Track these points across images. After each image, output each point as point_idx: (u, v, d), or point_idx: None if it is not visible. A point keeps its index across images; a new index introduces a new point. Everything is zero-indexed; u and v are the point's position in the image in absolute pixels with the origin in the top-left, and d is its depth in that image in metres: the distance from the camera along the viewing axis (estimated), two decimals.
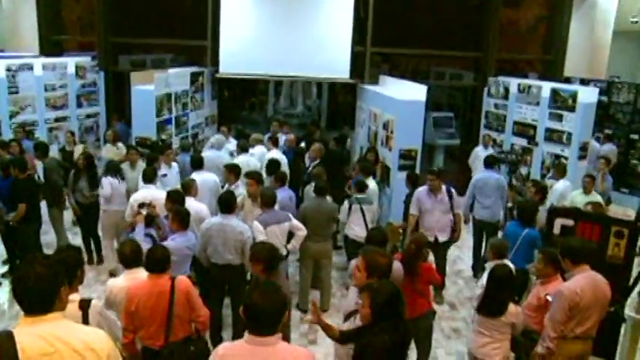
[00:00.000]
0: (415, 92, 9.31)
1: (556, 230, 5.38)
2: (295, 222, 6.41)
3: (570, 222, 5.34)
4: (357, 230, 7.42)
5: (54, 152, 9.53)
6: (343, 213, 7.40)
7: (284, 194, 6.99)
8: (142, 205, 5.96)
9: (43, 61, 11.12)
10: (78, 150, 9.62)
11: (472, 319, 5.16)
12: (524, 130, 11.56)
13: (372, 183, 7.88)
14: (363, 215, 7.37)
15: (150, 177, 7.11)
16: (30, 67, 10.69)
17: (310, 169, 8.55)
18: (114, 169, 7.86)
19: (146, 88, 9.59)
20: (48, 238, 8.32)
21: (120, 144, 9.67)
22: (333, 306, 7.13)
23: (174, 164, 8.41)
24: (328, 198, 7.19)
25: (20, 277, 2.54)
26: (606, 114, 12.55)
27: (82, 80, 11.78)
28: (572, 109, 10.49)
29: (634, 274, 5.27)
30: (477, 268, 8.30)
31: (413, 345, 5.01)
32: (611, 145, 11.78)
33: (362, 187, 7.55)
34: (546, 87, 11.09)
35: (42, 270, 2.54)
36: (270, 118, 12.95)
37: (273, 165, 7.97)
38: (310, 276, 7.10)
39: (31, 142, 9.41)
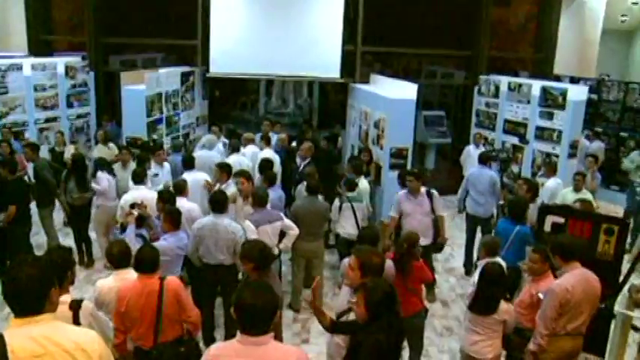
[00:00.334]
0: (406, 91, 9.34)
1: (547, 228, 5.40)
2: (287, 221, 6.41)
3: (561, 219, 5.36)
4: (348, 229, 7.44)
5: (44, 153, 9.46)
6: (334, 211, 7.41)
7: (274, 194, 6.97)
8: (133, 206, 5.93)
9: (32, 61, 11.05)
10: (69, 150, 9.59)
11: (464, 317, 5.17)
12: (515, 128, 11.61)
13: (363, 182, 7.89)
14: (354, 214, 7.38)
15: (140, 177, 7.09)
16: (19, 68, 10.63)
17: (301, 168, 8.55)
18: (105, 165, 7.94)
19: (137, 88, 9.56)
20: (39, 239, 8.28)
21: (111, 144, 9.64)
22: (326, 305, 7.12)
23: (165, 164, 8.39)
24: (320, 197, 7.19)
25: (10, 278, 2.53)
26: (596, 112, 12.62)
27: (73, 80, 11.71)
28: (562, 107, 10.55)
29: (624, 270, 5.30)
30: (469, 265, 8.34)
31: (405, 343, 5.03)
32: (599, 143, 11.86)
33: (352, 186, 7.56)
34: (536, 85, 11.15)
35: (32, 271, 2.52)
36: (261, 118, 12.93)
37: (266, 164, 7.96)
38: (302, 275, 7.10)
39: (19, 143, 9.37)
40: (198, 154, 8.83)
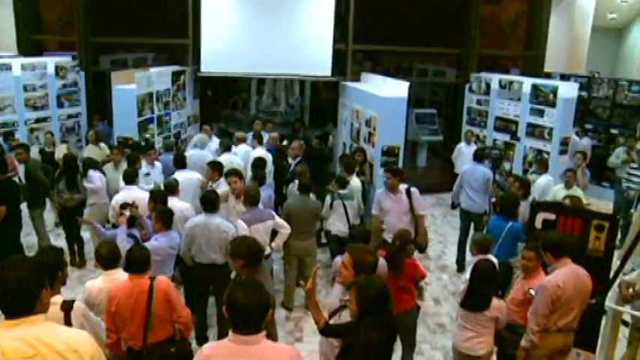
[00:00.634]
0: (397, 89, 9.35)
1: (538, 224, 5.42)
2: (279, 220, 6.40)
3: (552, 216, 5.38)
4: (339, 226, 7.45)
5: (34, 154, 9.39)
6: (325, 208, 7.42)
7: (263, 193, 6.95)
8: (124, 207, 5.90)
9: (22, 61, 10.97)
10: (62, 149, 9.52)
11: (456, 314, 5.19)
12: (506, 125, 11.67)
13: (354, 180, 7.89)
14: (345, 211, 7.40)
15: (131, 178, 7.06)
16: (8, 68, 10.54)
17: (292, 166, 8.54)
18: (93, 165, 7.95)
19: (127, 88, 9.52)
20: (30, 240, 8.23)
21: (102, 144, 9.60)
22: (319, 303, 7.11)
23: (157, 163, 8.37)
24: (312, 195, 7.19)
25: (0, 280, 2.52)
26: (587, 109, 12.69)
27: (63, 80, 11.64)
28: (553, 104, 10.60)
29: (614, 266, 5.33)
30: (462, 261, 8.38)
31: (398, 340, 5.04)
32: (587, 139, 11.93)
33: (344, 183, 7.57)
34: (527, 82, 11.20)
35: (22, 273, 2.51)
36: (253, 117, 12.92)
37: (259, 163, 7.96)
38: (295, 274, 7.09)
39: (7, 144, 9.30)
40: (190, 153, 8.82)
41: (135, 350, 4.26)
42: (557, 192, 7.93)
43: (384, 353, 3.23)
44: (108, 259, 4.53)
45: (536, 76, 12.31)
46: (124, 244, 5.28)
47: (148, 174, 8.04)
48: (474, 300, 4.76)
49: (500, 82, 11.82)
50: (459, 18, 12.86)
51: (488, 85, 12.10)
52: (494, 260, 5.28)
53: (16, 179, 7.86)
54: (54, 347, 2.48)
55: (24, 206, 7.83)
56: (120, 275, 4.46)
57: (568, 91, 10.68)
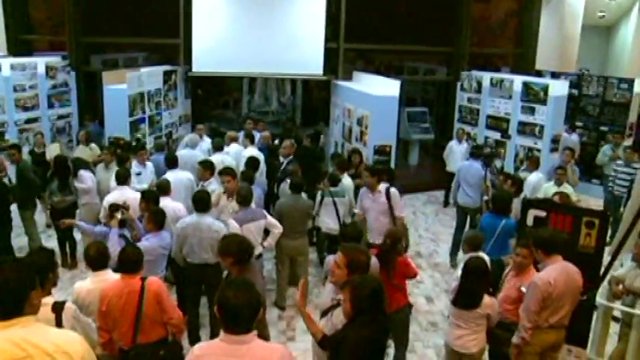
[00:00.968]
0: (389, 88, 9.38)
1: (529, 222, 5.44)
2: (271, 219, 6.40)
3: (543, 213, 5.40)
4: (329, 223, 7.48)
5: (23, 154, 9.33)
6: (315, 205, 7.42)
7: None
8: (116, 209, 5.85)
9: (11, 61, 10.89)
10: (55, 149, 9.46)
11: (448, 312, 5.20)
12: (498, 123, 11.71)
13: (346, 178, 7.89)
14: (336, 208, 7.40)
15: (123, 178, 7.02)
16: None
17: (284, 166, 8.54)
18: (83, 165, 7.95)
19: (118, 88, 9.49)
20: (21, 241, 8.19)
21: (93, 144, 9.56)
22: (311, 302, 7.13)
23: (148, 163, 8.34)
24: (303, 195, 7.19)
25: None
26: (577, 106, 12.74)
27: (53, 80, 11.58)
28: (543, 102, 10.66)
29: (605, 262, 5.37)
30: (454, 254, 8.47)
31: (391, 339, 5.05)
32: (575, 135, 11.99)
33: (335, 181, 7.57)
34: (518, 80, 11.25)
35: (11, 274, 2.49)
36: (244, 116, 12.90)
37: (253, 162, 7.95)
38: (287, 273, 7.10)
39: None
40: (182, 153, 8.80)
41: (124, 350, 4.26)
42: (548, 189, 7.96)
43: (376, 352, 3.23)
44: (96, 259, 4.49)
45: (526, 74, 12.38)
46: (115, 248, 5.26)
47: (139, 174, 8.02)
48: (465, 297, 4.77)
49: (491, 80, 11.87)
50: (450, 16, 12.89)
51: (479, 84, 12.15)
52: (486, 258, 5.30)
53: (5, 180, 7.81)
54: (43, 349, 2.47)
55: (14, 207, 7.80)
56: (109, 276, 4.44)
57: (558, 88, 10.74)
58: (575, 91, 12.55)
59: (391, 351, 5.37)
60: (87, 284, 4.46)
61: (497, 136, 11.70)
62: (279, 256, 7.10)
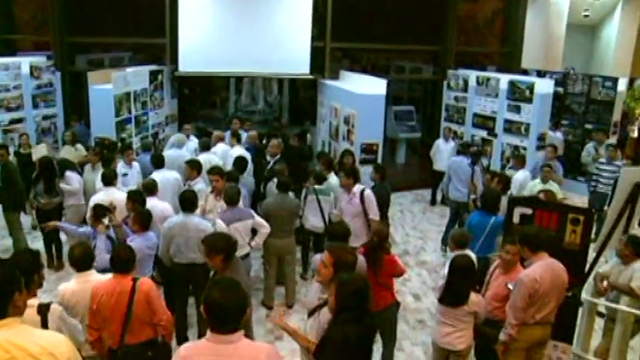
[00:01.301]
0: (375, 86, 9.40)
1: (515, 219, 5.48)
2: (258, 219, 6.40)
3: (529, 211, 5.44)
4: (313, 221, 7.49)
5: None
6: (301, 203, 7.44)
7: None
8: (102, 214, 5.78)
9: None
10: (40, 150, 9.37)
11: (435, 310, 5.22)
12: (484, 122, 11.78)
13: (333, 177, 7.89)
14: (320, 206, 7.42)
15: (109, 179, 6.96)
16: None
17: (271, 165, 8.53)
18: (70, 165, 7.89)
19: (104, 88, 9.43)
20: (6, 243, 8.13)
21: (79, 145, 9.49)
22: (299, 301, 7.14)
23: (135, 164, 8.29)
24: (290, 194, 7.19)
25: None
26: (562, 105, 12.83)
27: (38, 81, 11.47)
28: (529, 100, 10.73)
29: (590, 259, 5.41)
30: (445, 243, 8.63)
31: (378, 337, 5.06)
32: (559, 133, 12.09)
33: (320, 179, 7.59)
34: (504, 79, 11.32)
35: None
36: (231, 116, 12.86)
37: (241, 162, 7.94)
38: (275, 272, 7.09)
39: None
40: (168, 153, 8.76)
41: (112, 350, 4.26)
42: (534, 187, 8.03)
43: (361, 350, 3.24)
44: (81, 260, 4.47)
45: (513, 72, 12.44)
46: (102, 254, 5.24)
47: (125, 175, 7.97)
48: (452, 295, 4.79)
49: (477, 78, 11.93)
50: (436, 15, 12.93)
51: (465, 82, 12.20)
52: (472, 255, 5.33)
53: None
54: (28, 350, 2.45)
55: None
56: (93, 277, 4.43)
57: (544, 87, 10.82)
58: (560, 90, 12.64)
59: (379, 348, 5.41)
60: (72, 285, 4.44)
61: (483, 134, 11.76)
62: (266, 256, 7.09)
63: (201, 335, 5.50)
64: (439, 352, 5.03)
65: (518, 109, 10.99)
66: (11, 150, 9.50)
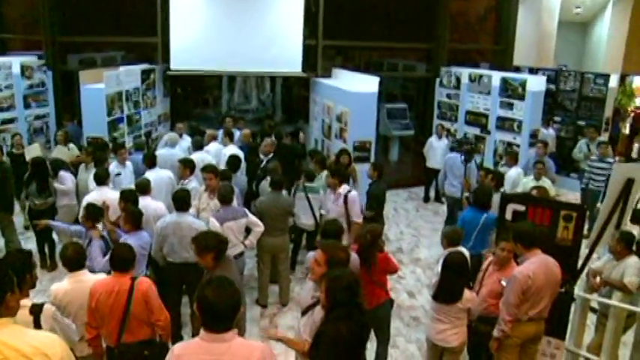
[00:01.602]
0: (368, 84, 9.39)
1: (508, 216, 5.49)
2: (252, 218, 6.39)
3: (521, 207, 5.45)
4: (301, 218, 7.53)
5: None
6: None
7: None
8: (95, 213, 5.75)
9: None
10: (34, 150, 9.31)
11: (429, 307, 5.24)
12: (477, 119, 11.80)
13: (324, 176, 7.89)
14: (310, 204, 7.43)
15: (102, 178, 6.93)
16: None
17: (264, 163, 8.52)
18: (62, 166, 7.84)
19: (96, 87, 9.38)
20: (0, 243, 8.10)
21: (71, 145, 9.44)
22: (293, 300, 7.14)
23: (128, 163, 8.26)
24: (284, 192, 7.19)
25: None
26: (555, 101, 12.88)
27: (29, 80, 11.41)
28: (522, 97, 10.76)
29: (582, 255, 5.44)
30: None
31: (372, 334, 5.07)
32: (551, 130, 12.13)
33: (310, 176, 7.59)
34: (496, 76, 11.35)
35: None
36: (224, 115, 12.84)
37: (234, 160, 7.93)
38: (269, 271, 7.08)
39: None
40: (161, 152, 8.74)
41: (110, 348, 4.29)
42: (527, 183, 8.05)
43: (354, 347, 3.24)
44: (73, 260, 4.46)
45: (505, 69, 12.47)
46: (99, 260, 5.23)
47: (118, 174, 7.94)
48: (445, 292, 4.81)
49: (470, 76, 11.95)
50: (429, 13, 12.93)
51: (458, 79, 12.22)
52: (466, 252, 5.34)
53: None
54: (21, 351, 2.44)
55: None
56: (86, 277, 4.43)
57: (536, 84, 10.85)
58: (552, 87, 12.69)
59: (373, 346, 5.42)
60: (64, 285, 4.43)
61: (476, 131, 11.79)
62: (260, 254, 7.08)
63: (195, 334, 5.51)
64: (433, 348, 5.05)
65: (510, 106, 11.03)
66: (4, 150, 9.48)
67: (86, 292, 4.27)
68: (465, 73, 12.08)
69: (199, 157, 8.21)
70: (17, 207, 8.47)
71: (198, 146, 8.81)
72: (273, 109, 14.61)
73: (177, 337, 5.99)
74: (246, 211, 6.50)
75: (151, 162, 7.69)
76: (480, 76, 11.74)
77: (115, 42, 12.77)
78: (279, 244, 6.96)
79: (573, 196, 10.43)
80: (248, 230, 6.42)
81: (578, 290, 5.47)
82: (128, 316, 4.19)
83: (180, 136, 9.83)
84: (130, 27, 12.00)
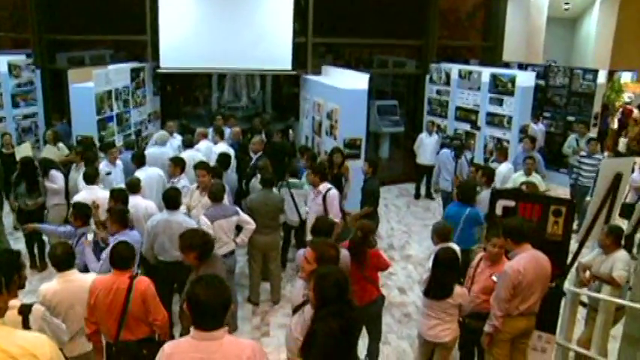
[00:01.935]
0: (358, 81, 9.39)
1: (498, 211, 5.50)
2: (243, 216, 6.38)
3: (511, 203, 5.47)
4: (288, 214, 7.52)
5: None
6: None
7: None
8: (84, 212, 5.70)
9: None
10: (25, 149, 9.24)
11: (421, 303, 5.24)
12: (467, 115, 11.83)
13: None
14: (293, 200, 7.45)
15: (92, 178, 6.89)
16: None
17: (254, 161, 8.51)
18: (52, 165, 7.80)
19: (85, 86, 9.32)
20: None
21: (61, 144, 9.37)
22: (284, 297, 7.14)
23: (118, 162, 8.21)
24: (274, 190, 7.18)
25: None
26: (544, 97, 12.94)
27: (17, 79, 11.33)
28: (511, 93, 10.80)
29: (572, 250, 5.47)
30: None
31: (364, 331, 5.08)
32: (540, 126, 12.19)
33: (295, 173, 7.60)
34: (486, 72, 11.38)
35: None
36: (214, 113, 12.80)
37: (224, 158, 7.91)
38: (260, 268, 7.07)
39: None
40: (151, 150, 8.70)
41: (109, 344, 4.31)
42: (517, 179, 8.07)
43: (345, 344, 3.23)
44: (62, 260, 4.42)
45: (494, 65, 12.51)
46: (92, 265, 5.20)
47: (109, 173, 7.90)
48: (437, 288, 4.81)
49: (459, 72, 11.98)
50: (418, 9, 12.94)
51: (448, 76, 12.25)
52: (456, 248, 5.35)
53: None
54: (8, 352, 2.42)
55: None
56: (75, 277, 4.40)
57: (526, 80, 10.90)
58: (542, 82, 12.74)
59: (365, 342, 5.43)
60: (53, 285, 4.39)
61: (466, 127, 11.82)
62: (251, 252, 7.06)
63: (185, 332, 5.50)
64: (425, 344, 5.06)
65: (500, 102, 11.07)
66: None
67: (76, 292, 4.26)
68: (454, 69, 12.11)
69: (190, 156, 8.19)
70: (7, 207, 8.41)
71: (188, 144, 8.78)
72: (264, 107, 14.58)
73: (169, 336, 5.98)
74: (237, 208, 6.49)
75: (139, 161, 7.66)
76: (470, 73, 11.77)
77: (104, 40, 12.70)
78: (270, 241, 6.95)
79: (563, 191, 10.47)
80: (239, 228, 6.41)
81: (569, 285, 5.50)
82: (126, 315, 4.20)
83: (171, 134, 9.79)
84: (119, 25, 11.93)
